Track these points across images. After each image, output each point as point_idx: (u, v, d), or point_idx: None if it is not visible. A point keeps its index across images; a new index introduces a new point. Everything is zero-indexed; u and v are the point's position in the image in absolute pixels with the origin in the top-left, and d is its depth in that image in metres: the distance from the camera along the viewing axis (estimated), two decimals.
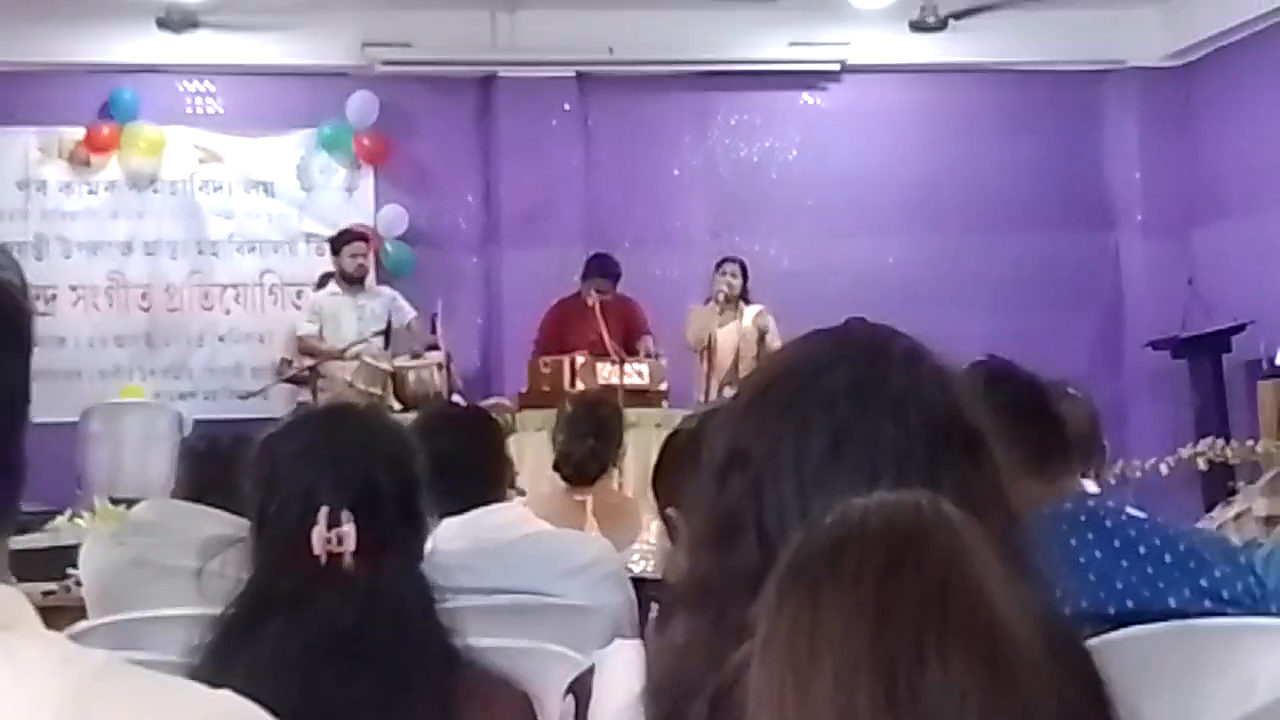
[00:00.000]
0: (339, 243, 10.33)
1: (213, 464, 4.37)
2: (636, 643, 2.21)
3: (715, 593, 1.51)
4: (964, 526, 1.15)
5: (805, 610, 1.11)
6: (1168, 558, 2.79)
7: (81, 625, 3.47)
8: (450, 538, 3.71)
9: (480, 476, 3.89)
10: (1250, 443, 7.75)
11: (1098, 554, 2.79)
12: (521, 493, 5.23)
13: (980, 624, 1.09)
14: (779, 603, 1.13)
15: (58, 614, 3.91)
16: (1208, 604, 2.76)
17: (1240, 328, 9.85)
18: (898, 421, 1.50)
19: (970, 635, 1.08)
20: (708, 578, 1.52)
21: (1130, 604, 2.73)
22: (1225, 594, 2.79)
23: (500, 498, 3.90)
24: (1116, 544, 2.80)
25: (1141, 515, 2.91)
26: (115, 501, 7.35)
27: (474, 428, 4.03)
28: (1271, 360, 9.24)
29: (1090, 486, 4.29)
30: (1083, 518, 2.83)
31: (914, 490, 1.21)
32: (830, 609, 1.09)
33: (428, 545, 2.50)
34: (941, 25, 10.93)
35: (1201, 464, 8.50)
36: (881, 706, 1.06)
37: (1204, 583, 2.78)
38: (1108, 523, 2.83)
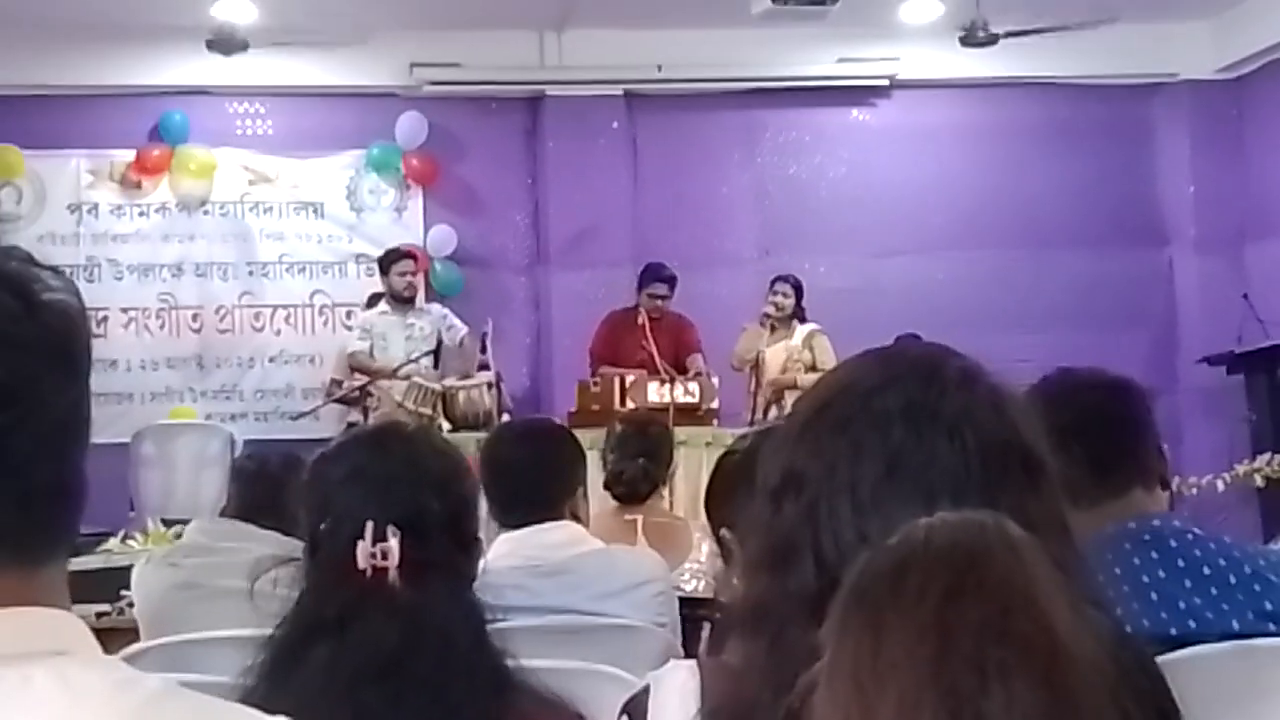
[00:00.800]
0: (387, 261, 10.35)
1: (263, 484, 4.39)
2: (691, 664, 2.19)
3: (772, 616, 1.50)
4: (1027, 547, 1.13)
5: (869, 633, 1.10)
6: (1232, 579, 2.75)
7: (134, 648, 3.48)
8: (504, 554, 3.73)
9: (542, 492, 3.89)
10: None
11: (1161, 573, 2.75)
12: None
13: (1042, 646, 1.07)
14: (843, 626, 1.12)
15: (111, 636, 3.92)
16: (1272, 627, 2.72)
17: None
18: (953, 443, 1.48)
19: (1032, 657, 1.06)
20: (764, 601, 1.51)
21: (1193, 624, 2.69)
22: None
23: (559, 515, 3.89)
24: (1180, 564, 2.76)
25: (1206, 535, 2.87)
26: (168, 523, 7.38)
27: (542, 442, 4.02)
28: None
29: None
30: (1146, 536, 2.79)
31: (977, 511, 1.19)
32: (893, 632, 1.09)
33: (481, 563, 2.49)
34: (992, 40, 10.87)
35: (1259, 480, 8.43)
36: None
37: (1269, 606, 2.74)
38: (1172, 542, 2.79)
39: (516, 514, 3.84)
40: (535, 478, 3.87)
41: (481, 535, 2.56)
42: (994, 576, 1.10)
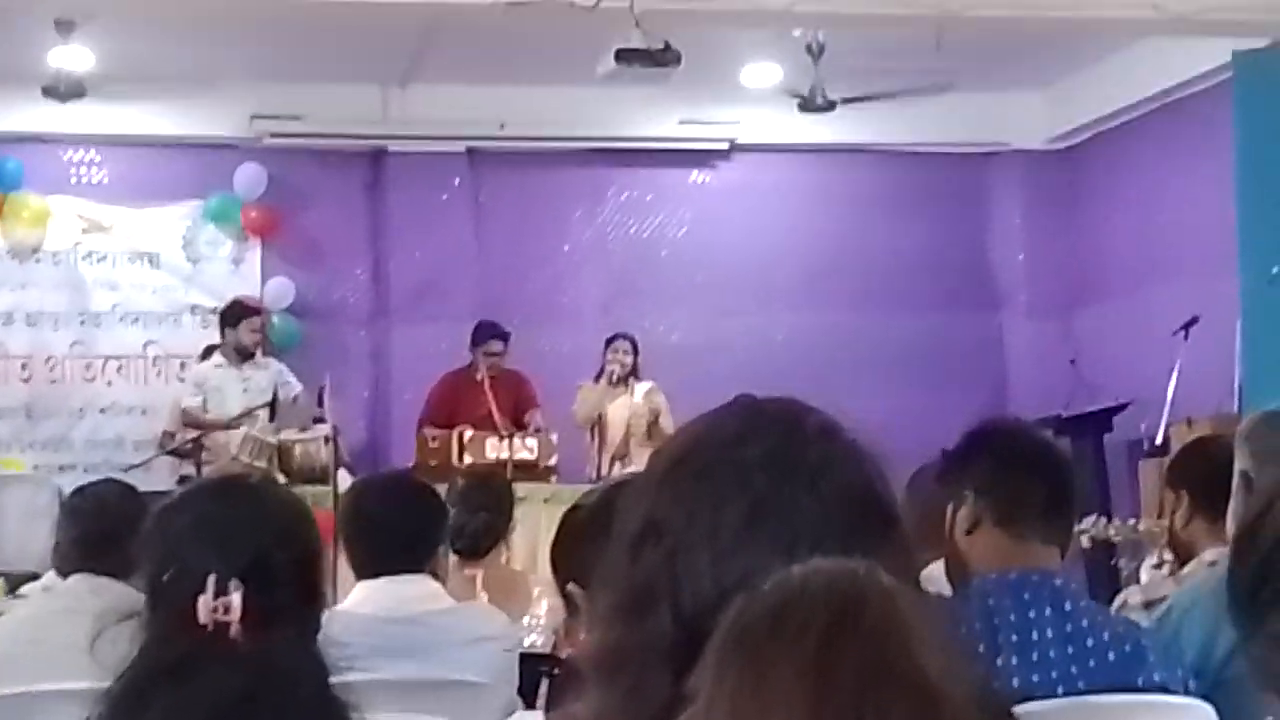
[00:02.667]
0: (234, 316, 10.16)
1: (104, 521, 4.27)
2: (538, 715, 2.19)
3: (629, 664, 1.50)
4: (900, 593, 1.16)
5: (748, 674, 1.11)
6: (1111, 655, 2.82)
7: None
8: (359, 601, 3.72)
9: (405, 548, 3.87)
10: (1132, 521, 7.82)
11: (1049, 633, 2.81)
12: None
13: (916, 688, 1.09)
14: (720, 666, 1.13)
15: None
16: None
17: (1122, 407, 10.00)
18: (813, 494, 1.50)
19: (909, 698, 1.08)
20: (621, 649, 1.51)
21: (1061, 691, 2.75)
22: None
23: (419, 570, 3.87)
24: (1068, 628, 2.83)
25: (1098, 607, 2.98)
26: None
27: (408, 498, 3.99)
28: (1153, 440, 9.35)
29: None
30: (1046, 591, 2.85)
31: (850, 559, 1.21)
32: (773, 670, 1.10)
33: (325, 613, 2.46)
34: (830, 106, 11.05)
35: (1085, 541, 8.57)
36: None
37: (1140, 682, 2.80)
38: (1067, 604, 2.85)
39: (376, 566, 3.83)
40: (399, 534, 3.86)
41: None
42: (870, 619, 1.12)
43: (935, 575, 3.70)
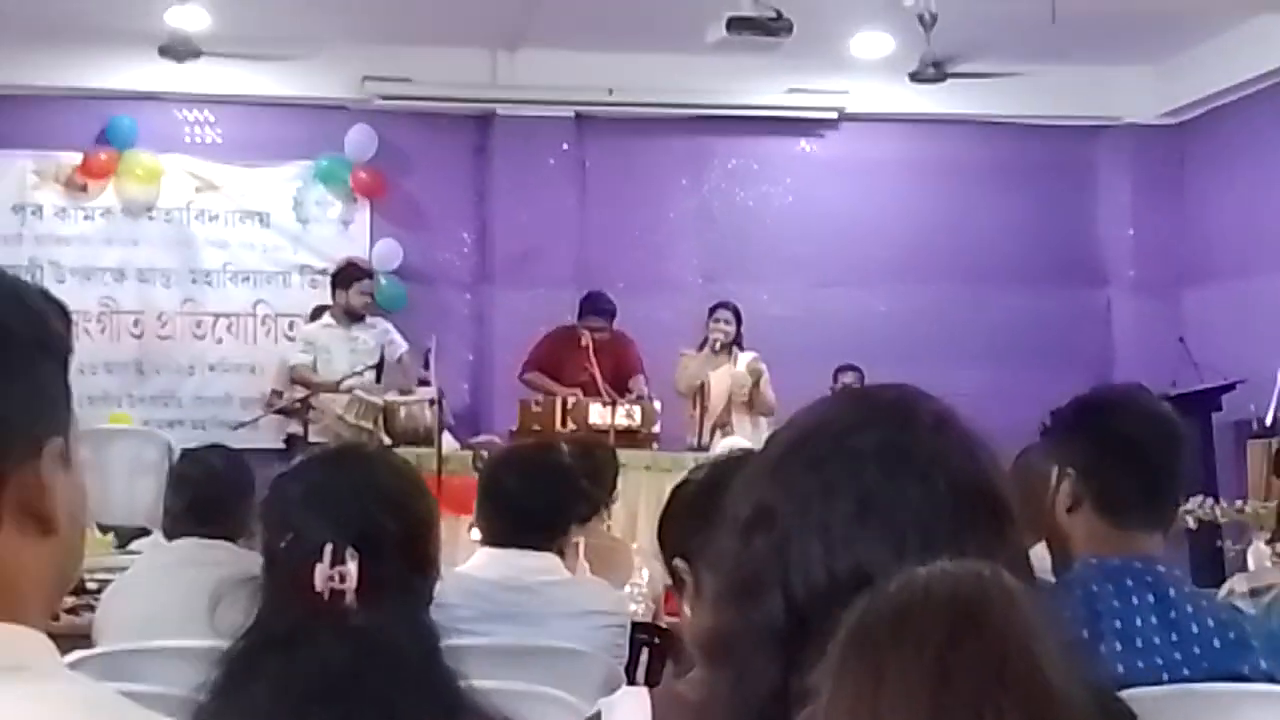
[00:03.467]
0: (348, 277, 10.14)
1: (211, 487, 4.35)
2: (642, 691, 2.21)
3: (738, 650, 1.51)
4: (1023, 596, 1.16)
5: (868, 677, 1.12)
6: (1216, 642, 2.79)
7: (77, 655, 3.46)
8: (480, 565, 3.78)
9: (535, 527, 3.92)
10: (1239, 503, 7.74)
11: (1153, 619, 2.78)
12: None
13: (1038, 693, 1.10)
14: (842, 668, 1.15)
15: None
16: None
17: (1230, 387, 9.87)
18: (925, 487, 1.50)
19: (1029, 704, 1.09)
20: (729, 634, 1.53)
21: (1165, 678, 2.73)
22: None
23: (546, 548, 3.92)
24: (1172, 615, 2.80)
25: (1201, 593, 2.92)
26: (103, 529, 7.33)
27: (547, 479, 4.03)
28: (1261, 420, 9.24)
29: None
30: (1149, 579, 2.82)
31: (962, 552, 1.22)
32: (892, 676, 1.11)
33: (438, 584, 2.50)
34: (940, 78, 10.97)
35: (1190, 522, 8.49)
36: None
37: (1246, 671, 2.78)
38: (1171, 591, 2.82)
39: (506, 538, 3.88)
40: (535, 512, 3.91)
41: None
42: (992, 625, 1.13)
43: (1038, 553, 3.70)
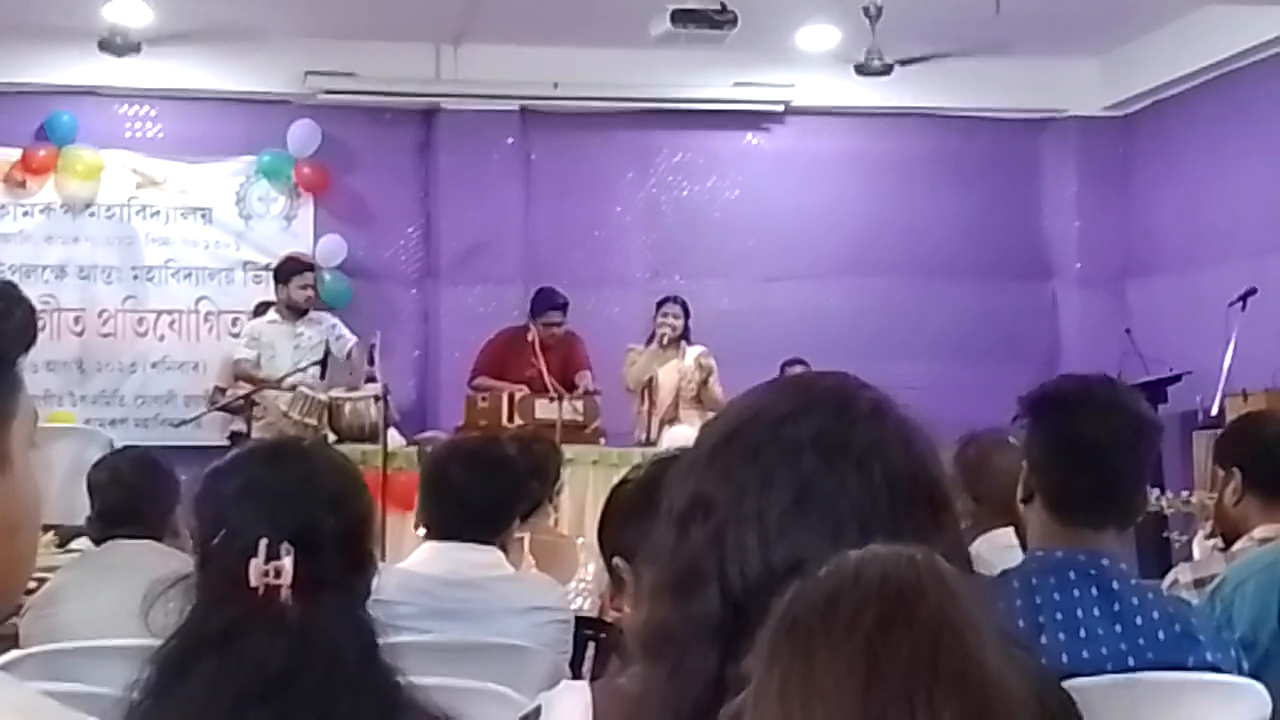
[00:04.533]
0: (287, 272, 10.14)
1: (118, 491, 4.33)
2: (583, 685, 2.18)
3: (674, 641, 1.49)
4: (957, 583, 1.14)
5: (798, 662, 1.10)
6: (1161, 634, 2.78)
7: (14, 654, 3.42)
8: (423, 561, 3.75)
9: (481, 521, 3.89)
10: (1184, 494, 7.77)
11: (1096, 611, 2.77)
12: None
13: (972, 680, 1.08)
14: (772, 654, 1.13)
15: None
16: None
17: (1176, 378, 9.92)
18: (862, 476, 1.49)
19: (962, 691, 1.07)
20: (666, 626, 1.50)
21: (1110, 668, 2.72)
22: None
23: (490, 540, 3.88)
24: (1115, 607, 2.79)
25: (1146, 585, 2.90)
26: (44, 528, 7.24)
27: (493, 472, 3.99)
28: (1207, 411, 9.29)
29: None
30: (1091, 571, 2.81)
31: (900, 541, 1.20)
32: (822, 661, 1.09)
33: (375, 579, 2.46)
34: (886, 70, 10.98)
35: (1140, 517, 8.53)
36: None
37: (1190, 662, 2.77)
38: (1114, 584, 2.81)
39: (449, 531, 3.85)
40: (479, 505, 3.88)
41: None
42: (924, 610, 1.11)
43: (1006, 539, 3.69)
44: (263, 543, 2.25)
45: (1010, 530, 4.31)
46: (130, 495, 4.29)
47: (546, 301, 10.17)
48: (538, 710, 2.18)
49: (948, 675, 1.07)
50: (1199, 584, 3.92)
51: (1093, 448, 2.85)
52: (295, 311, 10.04)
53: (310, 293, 10.11)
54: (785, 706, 1.08)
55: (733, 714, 1.17)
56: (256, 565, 2.24)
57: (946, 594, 1.13)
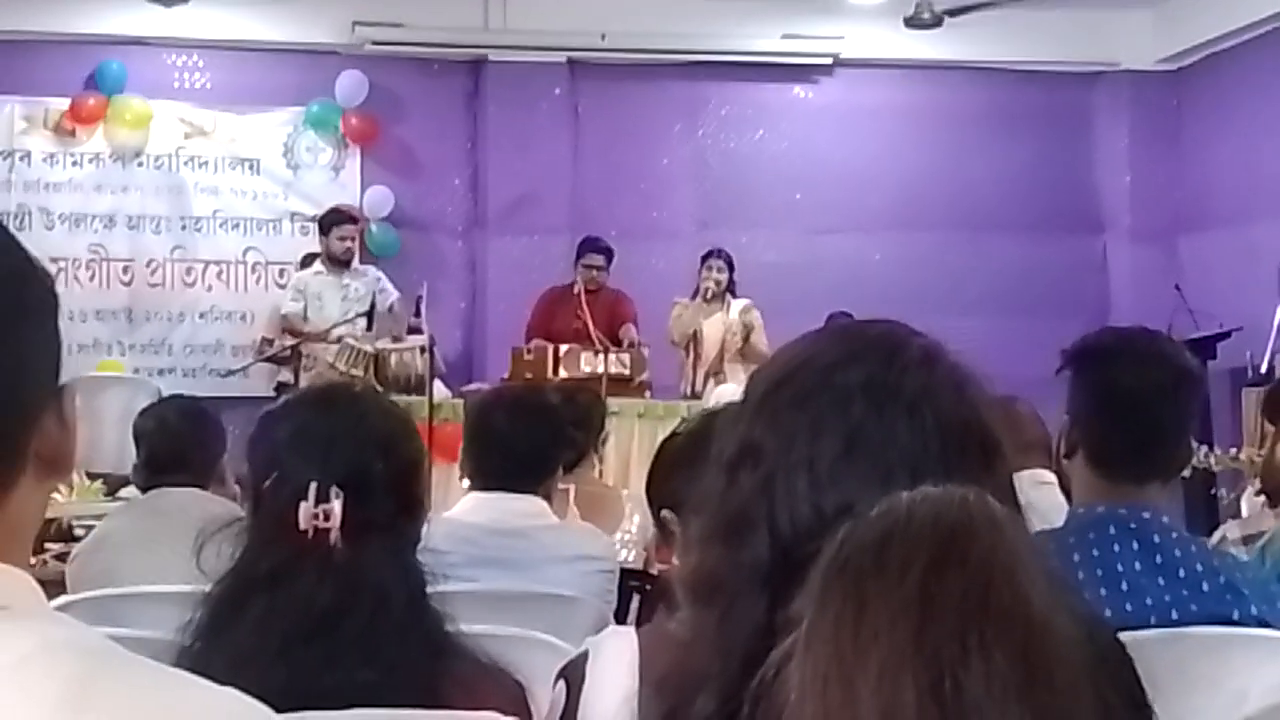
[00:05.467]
0: (328, 222, 10.25)
1: (164, 440, 4.36)
2: (630, 631, 2.19)
3: (724, 588, 1.49)
4: (1009, 522, 1.14)
5: (850, 604, 1.10)
6: (1205, 586, 2.76)
7: (63, 599, 3.45)
8: (468, 510, 3.77)
9: (525, 469, 3.91)
10: (1234, 450, 7.74)
11: (1137, 565, 2.76)
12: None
13: (1022, 620, 1.08)
14: (824, 596, 1.12)
15: None
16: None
17: (1227, 334, 9.85)
18: (913, 423, 1.48)
19: (1012, 631, 1.07)
20: (716, 572, 1.51)
21: (1154, 621, 2.70)
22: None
23: (534, 491, 3.90)
24: (1158, 559, 2.77)
25: (1189, 537, 2.87)
26: (93, 476, 7.32)
27: (536, 421, 4.01)
28: (1257, 368, 9.24)
29: (1047, 475, 4.31)
30: (1132, 525, 2.79)
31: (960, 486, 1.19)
32: (875, 603, 1.09)
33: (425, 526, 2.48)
34: (936, 22, 10.92)
35: (1185, 470, 8.49)
36: (926, 700, 1.05)
37: (1236, 614, 2.75)
38: (1155, 537, 2.78)
39: (493, 480, 3.87)
40: (522, 453, 3.90)
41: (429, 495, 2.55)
42: (976, 551, 1.11)
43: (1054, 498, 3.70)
44: (313, 486, 2.27)
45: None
46: (176, 443, 4.31)
47: (590, 245, 10.28)
48: (585, 655, 2.19)
49: (999, 615, 1.07)
50: (1247, 540, 3.90)
51: (1132, 399, 2.82)
52: (338, 263, 10.08)
53: (350, 244, 10.15)
54: (838, 648, 1.08)
55: (784, 655, 1.17)
56: (306, 508, 2.26)
57: (998, 534, 1.12)
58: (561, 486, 5.24)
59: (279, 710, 1.17)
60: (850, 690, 1.06)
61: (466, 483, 4.08)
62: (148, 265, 11.24)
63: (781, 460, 1.49)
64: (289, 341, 9.96)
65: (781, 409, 1.52)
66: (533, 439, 3.93)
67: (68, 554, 4.80)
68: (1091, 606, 1.23)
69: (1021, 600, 1.08)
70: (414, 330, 9.70)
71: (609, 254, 10.27)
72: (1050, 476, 4.26)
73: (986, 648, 1.05)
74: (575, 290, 10.04)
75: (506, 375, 9.62)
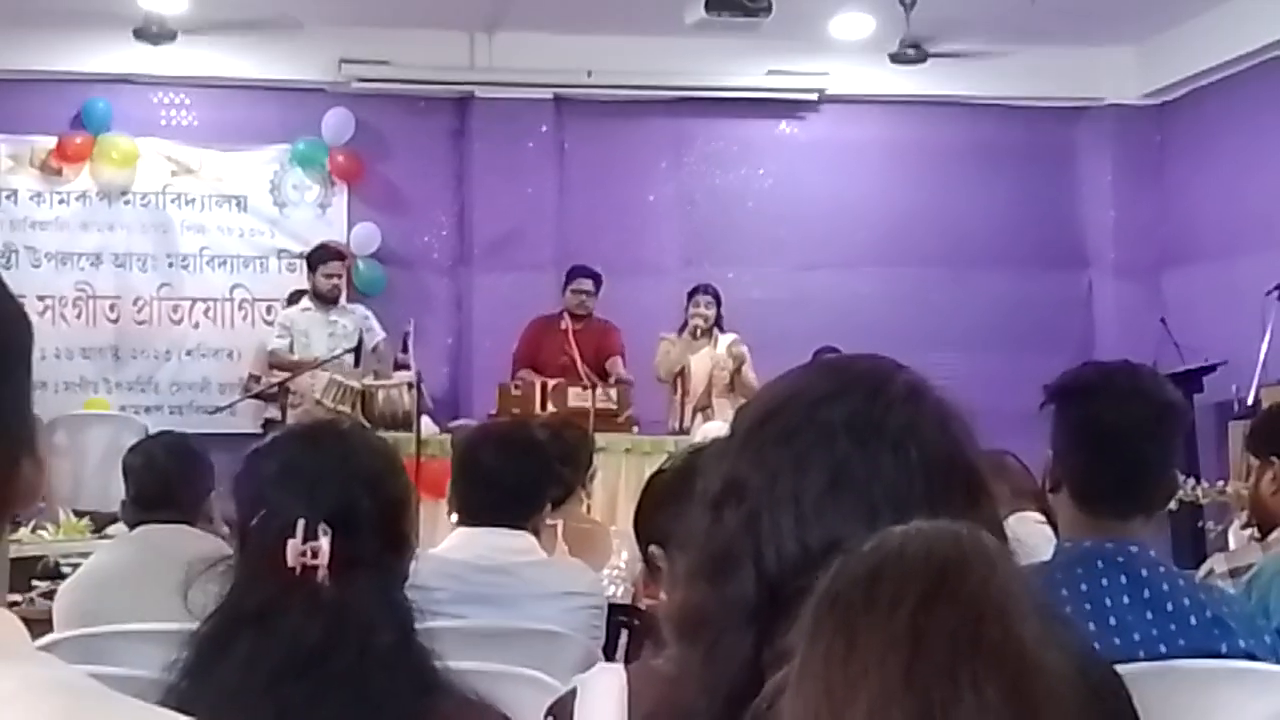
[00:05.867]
0: (315, 260, 10.23)
1: (151, 476, 4.35)
2: (619, 668, 2.19)
3: (709, 624, 1.49)
4: (1001, 558, 1.14)
5: (841, 637, 1.10)
6: (1193, 620, 2.76)
7: (50, 638, 3.44)
8: (455, 546, 3.76)
9: (513, 505, 3.90)
10: (1220, 483, 7.74)
11: (1125, 599, 2.75)
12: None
13: (1014, 656, 1.08)
14: (815, 629, 1.12)
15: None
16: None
17: (1212, 368, 9.87)
18: (898, 458, 1.48)
19: (1004, 667, 1.07)
20: (702, 609, 1.51)
21: (1142, 655, 2.70)
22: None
23: (522, 525, 3.90)
24: (1146, 594, 2.77)
25: (1177, 572, 2.87)
26: (79, 514, 7.30)
27: (524, 456, 4.01)
28: (1243, 401, 9.25)
29: (1036, 516, 4.30)
30: (1120, 559, 2.79)
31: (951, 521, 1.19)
32: (866, 637, 1.09)
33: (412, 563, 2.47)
34: (921, 59, 10.96)
35: (1171, 504, 8.49)
36: None
37: (1224, 649, 2.75)
38: (1143, 571, 2.79)
39: (481, 516, 3.87)
40: (510, 488, 3.89)
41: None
42: (968, 586, 1.10)
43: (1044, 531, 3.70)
44: (300, 523, 2.27)
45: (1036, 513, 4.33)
46: (163, 479, 4.31)
47: (579, 271, 10.33)
48: (573, 693, 2.19)
49: (990, 650, 1.07)
50: (1234, 573, 3.90)
51: (1114, 435, 2.82)
52: (325, 300, 10.09)
53: (337, 281, 10.15)
54: (829, 682, 1.08)
55: (774, 690, 1.17)
56: (294, 545, 2.26)
57: (990, 569, 1.12)
58: (549, 522, 5.24)
59: None
60: None
61: (454, 518, 4.08)
62: (134, 303, 11.23)
63: (766, 496, 1.49)
64: (276, 378, 9.95)
65: (766, 445, 1.52)
66: (520, 474, 3.93)
67: (54, 592, 4.79)
68: (1086, 641, 1.22)
69: (1013, 636, 1.08)
70: (401, 366, 9.70)
71: (598, 279, 10.31)
72: (1039, 517, 4.26)
73: (978, 684, 1.05)
74: (563, 325, 10.06)
75: (494, 411, 9.62)
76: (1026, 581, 1.16)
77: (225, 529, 3.84)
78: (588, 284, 10.26)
